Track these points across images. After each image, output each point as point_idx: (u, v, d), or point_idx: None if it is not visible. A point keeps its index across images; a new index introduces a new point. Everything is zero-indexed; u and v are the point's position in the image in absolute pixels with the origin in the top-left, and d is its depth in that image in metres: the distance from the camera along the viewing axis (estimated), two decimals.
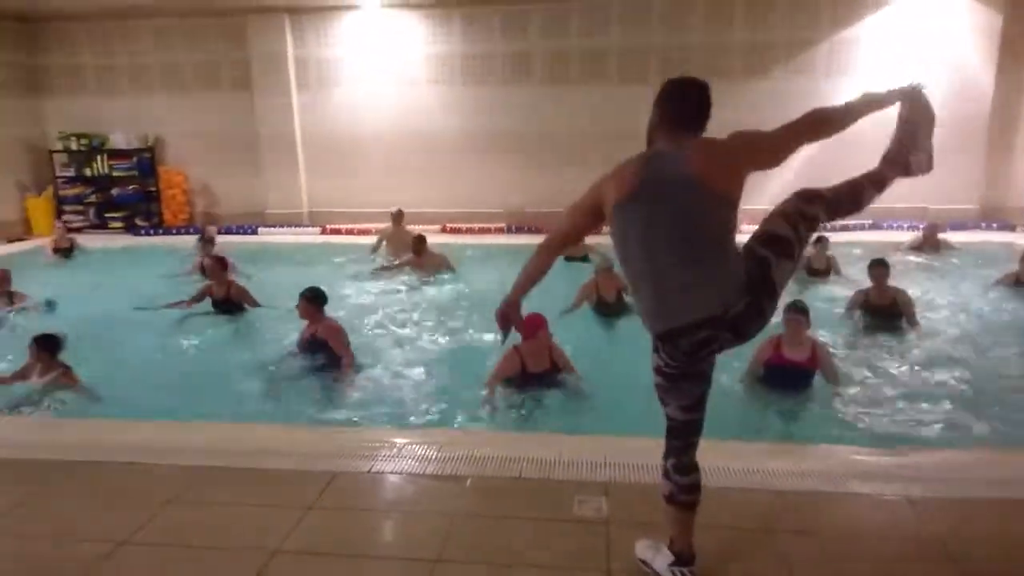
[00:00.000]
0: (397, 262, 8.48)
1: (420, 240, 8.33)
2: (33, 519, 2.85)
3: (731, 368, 4.55)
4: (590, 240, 9.31)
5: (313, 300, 4.95)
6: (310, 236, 11.51)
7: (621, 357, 5.02)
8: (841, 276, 7.58)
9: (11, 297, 6.71)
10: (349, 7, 11.38)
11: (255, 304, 6.62)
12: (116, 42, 12.08)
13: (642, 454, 3.21)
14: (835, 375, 4.53)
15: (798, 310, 4.42)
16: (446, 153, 11.82)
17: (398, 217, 9.63)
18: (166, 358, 5.56)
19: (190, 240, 9.97)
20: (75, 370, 4.61)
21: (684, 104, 2.28)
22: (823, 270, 7.68)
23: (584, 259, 8.59)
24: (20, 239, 11.26)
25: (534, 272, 2.44)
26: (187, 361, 5.54)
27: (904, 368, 5.00)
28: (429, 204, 11.74)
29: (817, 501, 2.91)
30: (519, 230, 11.45)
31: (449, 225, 11.62)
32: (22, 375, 4.59)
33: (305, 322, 5.02)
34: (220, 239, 9.74)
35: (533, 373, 4.41)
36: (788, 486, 2.99)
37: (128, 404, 4.40)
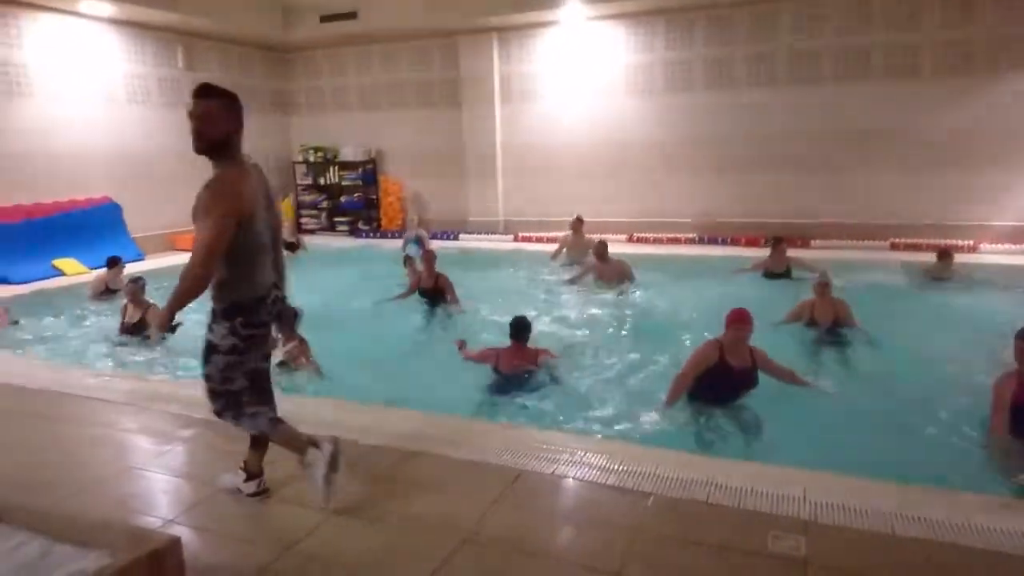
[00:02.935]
0: (581, 269, 8.56)
1: (602, 245, 8.36)
2: (269, 484, 3.26)
3: (969, 412, 3.98)
4: (800, 254, 8.72)
5: (520, 333, 4.99)
6: (504, 243, 12.05)
7: (827, 384, 4.60)
8: None
9: None
10: (553, 23, 11.77)
11: (455, 301, 7.11)
12: (350, 65, 13.67)
13: (848, 493, 2.93)
14: None
15: None
16: (638, 162, 11.77)
17: (577, 224, 9.74)
18: (380, 347, 6.12)
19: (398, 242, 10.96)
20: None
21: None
22: None
23: (787, 274, 8.06)
24: None
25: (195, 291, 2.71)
26: (397, 351, 6.05)
27: None
28: (618, 213, 11.78)
29: None
30: (711, 241, 11.02)
31: (636, 235, 11.51)
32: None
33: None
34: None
35: (730, 366, 4.21)
36: None
37: (350, 386, 4.92)
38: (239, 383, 2.88)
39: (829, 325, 5.88)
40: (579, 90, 11.99)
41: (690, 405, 4.35)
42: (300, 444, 2.97)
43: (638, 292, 7.89)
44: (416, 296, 7.31)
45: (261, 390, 3.01)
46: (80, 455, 3.65)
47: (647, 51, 11.45)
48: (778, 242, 8.39)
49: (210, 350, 2.84)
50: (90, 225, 10.09)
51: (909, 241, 9.97)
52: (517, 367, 4.89)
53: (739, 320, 4.22)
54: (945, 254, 8.07)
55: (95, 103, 10.68)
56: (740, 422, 4.18)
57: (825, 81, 10.47)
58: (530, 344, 5.06)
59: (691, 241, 11.14)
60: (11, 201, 9.48)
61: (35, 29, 9.75)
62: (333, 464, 2.91)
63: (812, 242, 10.29)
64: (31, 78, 9.76)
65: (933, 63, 9.92)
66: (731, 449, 3.88)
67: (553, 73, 12.12)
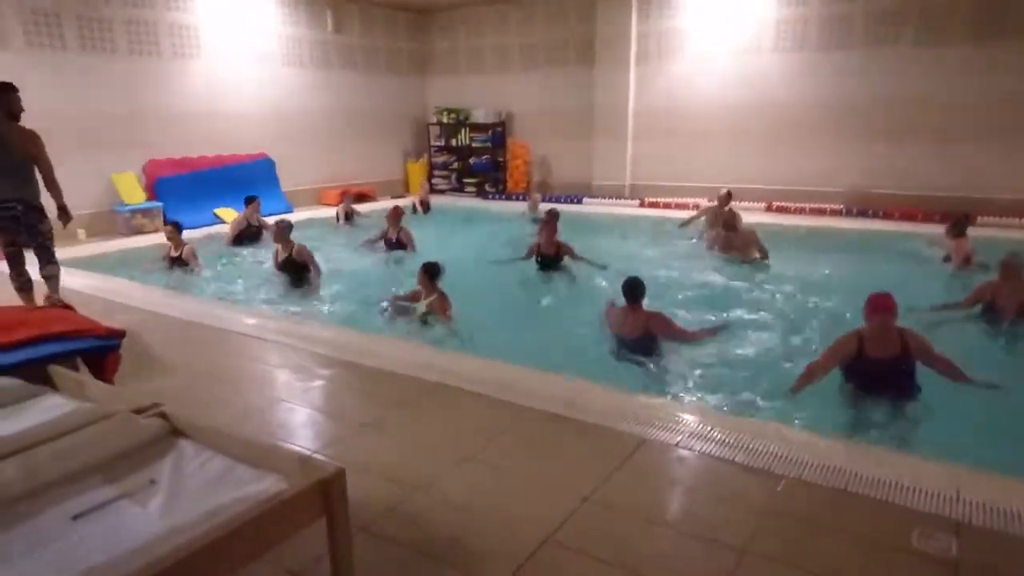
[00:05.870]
0: (705, 238, 8.31)
1: (731, 215, 8.10)
2: (403, 427, 3.48)
3: None
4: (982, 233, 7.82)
5: (636, 295, 4.89)
6: (628, 208, 11.79)
7: (999, 377, 4.13)
8: None
9: (399, 233, 8.25)
10: None
11: (578, 258, 7.28)
12: (486, 26, 13.73)
13: (1011, 497, 2.65)
14: None
15: None
16: (780, 125, 11.04)
17: (724, 199, 9.34)
18: (506, 305, 6.27)
19: (521, 206, 11.05)
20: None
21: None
22: None
23: None
24: (400, 196, 13.72)
25: None
26: (523, 310, 6.19)
27: None
28: (756, 179, 11.17)
29: None
30: (860, 213, 10.17)
31: (776, 204, 10.85)
32: (412, 297, 5.65)
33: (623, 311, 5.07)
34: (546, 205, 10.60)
35: (873, 358, 3.88)
36: None
37: (477, 341, 5.08)
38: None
39: (1014, 313, 5.19)
40: (721, 48, 11.34)
41: (834, 389, 4.08)
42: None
43: (774, 265, 7.48)
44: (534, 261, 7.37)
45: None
46: (238, 385, 4.04)
47: (800, 4, 10.59)
48: None
49: None
50: (247, 178, 10.97)
51: None
52: (630, 330, 4.82)
53: (882, 308, 3.85)
54: None
55: (254, 64, 11.48)
56: (888, 410, 3.87)
57: (1009, 36, 9.21)
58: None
59: (836, 213, 10.36)
60: (181, 154, 10.49)
61: None
62: None
63: (977, 218, 9.23)
64: (200, 40, 10.64)
65: None
66: (875, 437, 3.61)
67: (693, 30, 11.54)
